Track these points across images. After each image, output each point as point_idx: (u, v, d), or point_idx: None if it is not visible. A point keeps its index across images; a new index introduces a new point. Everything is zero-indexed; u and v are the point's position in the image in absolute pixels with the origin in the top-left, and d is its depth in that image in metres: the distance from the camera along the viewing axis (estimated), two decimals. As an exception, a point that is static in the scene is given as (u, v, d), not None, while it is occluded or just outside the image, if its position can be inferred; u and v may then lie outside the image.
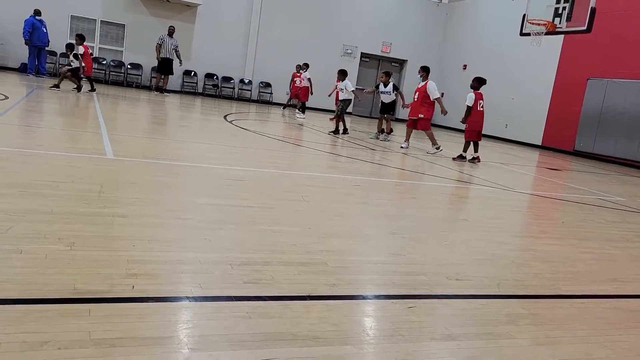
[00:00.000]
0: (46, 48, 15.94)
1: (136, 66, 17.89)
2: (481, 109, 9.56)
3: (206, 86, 18.89)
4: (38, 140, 6.21)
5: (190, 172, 5.49)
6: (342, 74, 11.45)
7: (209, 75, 18.85)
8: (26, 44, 15.31)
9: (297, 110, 15.85)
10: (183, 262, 2.79)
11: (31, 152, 5.18)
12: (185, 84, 18.60)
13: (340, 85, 11.54)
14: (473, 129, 9.60)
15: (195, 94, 18.64)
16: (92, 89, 13.02)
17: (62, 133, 7.10)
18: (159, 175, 5.04)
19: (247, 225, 3.65)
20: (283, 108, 17.37)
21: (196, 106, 14.80)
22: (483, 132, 10.10)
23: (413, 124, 10.38)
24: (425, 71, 10.36)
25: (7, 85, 12.15)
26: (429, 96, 10.12)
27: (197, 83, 18.78)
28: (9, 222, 2.94)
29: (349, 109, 12.80)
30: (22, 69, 16.08)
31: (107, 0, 17.38)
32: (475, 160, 9.46)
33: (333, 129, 11.60)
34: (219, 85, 19.00)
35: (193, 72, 18.60)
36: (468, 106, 9.46)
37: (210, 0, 18.10)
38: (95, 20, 17.40)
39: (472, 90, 9.55)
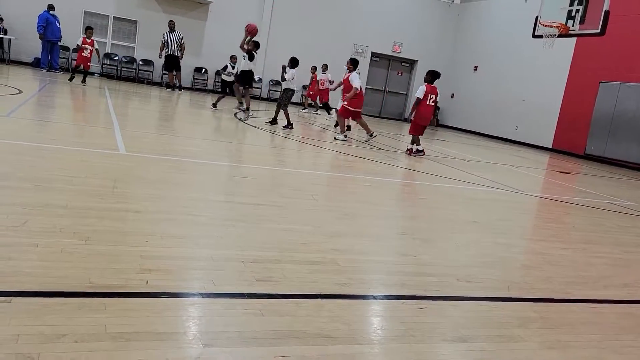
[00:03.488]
0: (59, 43, 16.04)
1: (147, 62, 17.97)
2: (431, 103, 9.25)
3: (217, 83, 18.93)
4: (52, 134, 6.26)
5: (201, 169, 5.52)
6: (292, 62, 10.60)
7: (220, 73, 18.89)
8: (40, 38, 15.42)
9: (316, 111, 16.27)
10: (195, 258, 2.81)
11: (45, 146, 5.23)
12: (195, 80, 18.66)
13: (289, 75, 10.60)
14: (420, 123, 9.29)
15: (205, 90, 18.71)
16: (76, 80, 13.14)
17: (75, 128, 7.16)
18: (171, 171, 5.07)
19: (258, 223, 3.67)
20: (303, 109, 17.41)
21: (207, 103, 14.85)
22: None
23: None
24: (352, 64, 10.32)
25: (21, 80, 12.26)
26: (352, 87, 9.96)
27: (207, 80, 18.83)
28: (25, 215, 2.97)
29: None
30: (35, 64, 16.20)
31: (120, -4, 17.49)
32: (420, 152, 9.21)
33: (282, 123, 10.73)
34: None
35: (204, 69, 18.66)
36: (418, 98, 9.17)
37: (222, -2, 18.15)
38: (108, 16, 17.49)
39: (425, 84, 9.24)
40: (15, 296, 2.02)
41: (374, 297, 2.69)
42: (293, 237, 3.42)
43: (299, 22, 19.43)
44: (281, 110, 10.62)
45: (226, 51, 18.62)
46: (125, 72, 17.96)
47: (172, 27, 15.95)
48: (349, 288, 2.71)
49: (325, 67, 16.10)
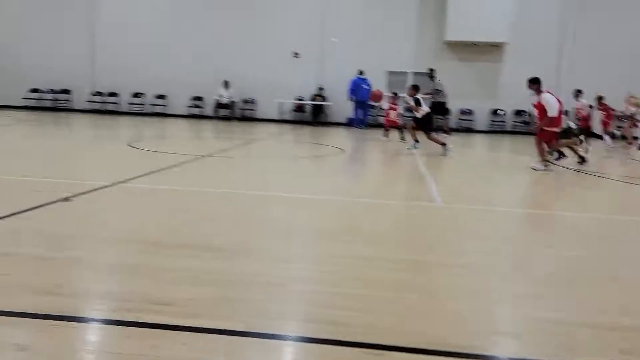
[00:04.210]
0: (368, 102, 17.86)
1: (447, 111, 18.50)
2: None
3: (515, 123, 18.42)
4: (370, 188, 6.89)
5: (524, 219, 5.31)
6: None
7: (518, 113, 18.33)
8: (351, 100, 17.53)
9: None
10: (543, 320, 2.63)
11: (367, 201, 5.72)
12: (492, 122, 18.50)
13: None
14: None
15: (503, 132, 18.34)
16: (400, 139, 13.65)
17: (390, 181, 7.76)
18: (493, 222, 5.00)
19: (597, 279, 3.30)
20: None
21: (504, 146, 14.47)
22: None
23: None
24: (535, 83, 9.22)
25: (340, 138, 14.03)
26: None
27: (505, 122, 18.48)
28: (366, 268, 3.28)
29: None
30: (348, 123, 18.38)
31: (418, 52, 18.68)
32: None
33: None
34: (528, 122, 18.26)
35: (500, 111, 18.39)
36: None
37: (518, 38, 17.67)
38: (408, 72, 18.80)
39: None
40: (386, 350, 2.20)
41: None
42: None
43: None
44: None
45: (523, 90, 17.99)
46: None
47: (432, 75, 16.07)
48: None
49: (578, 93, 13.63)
